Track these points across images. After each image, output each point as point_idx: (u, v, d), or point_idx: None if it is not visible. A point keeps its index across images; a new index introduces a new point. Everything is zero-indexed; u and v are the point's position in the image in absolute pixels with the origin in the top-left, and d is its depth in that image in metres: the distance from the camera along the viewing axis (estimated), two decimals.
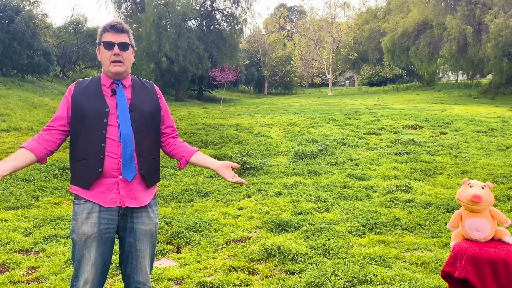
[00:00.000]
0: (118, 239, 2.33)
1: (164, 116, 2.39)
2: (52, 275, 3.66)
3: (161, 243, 4.49)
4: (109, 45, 2.18)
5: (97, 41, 2.27)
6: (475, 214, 2.73)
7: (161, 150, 2.40)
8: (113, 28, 2.19)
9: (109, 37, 2.19)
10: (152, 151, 2.28)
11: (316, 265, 3.83)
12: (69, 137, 2.27)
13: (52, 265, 3.85)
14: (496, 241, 2.74)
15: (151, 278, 3.60)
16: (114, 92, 2.23)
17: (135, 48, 2.35)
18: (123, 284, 2.41)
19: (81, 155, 2.17)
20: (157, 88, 2.43)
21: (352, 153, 9.18)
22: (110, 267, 3.73)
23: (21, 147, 2.12)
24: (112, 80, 2.26)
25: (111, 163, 2.15)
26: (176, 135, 2.46)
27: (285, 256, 4.01)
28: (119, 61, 2.19)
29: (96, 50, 2.29)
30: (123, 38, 2.20)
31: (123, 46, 2.20)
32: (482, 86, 25.34)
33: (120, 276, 3.48)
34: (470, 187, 2.73)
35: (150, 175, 2.27)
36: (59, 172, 7.34)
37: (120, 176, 2.17)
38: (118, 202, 2.18)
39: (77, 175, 2.20)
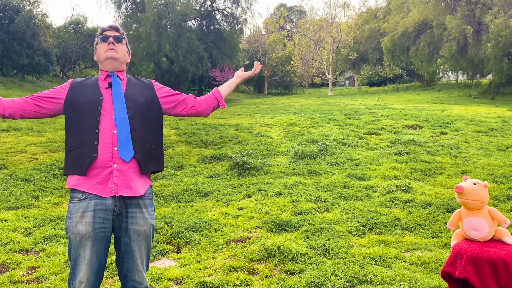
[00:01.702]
0: (114, 239, 2.34)
1: (176, 97, 2.45)
2: (52, 275, 3.66)
3: (161, 243, 4.49)
4: (105, 38, 2.36)
5: (94, 42, 2.43)
6: (473, 213, 2.74)
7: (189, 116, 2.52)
8: (109, 26, 2.41)
9: (106, 33, 2.39)
10: (147, 139, 2.31)
11: (316, 265, 3.83)
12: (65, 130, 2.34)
13: (52, 265, 3.85)
14: (496, 241, 2.74)
15: (151, 278, 3.61)
16: (109, 85, 2.31)
17: (130, 52, 2.51)
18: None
19: (76, 144, 2.23)
20: (154, 81, 2.50)
21: (352, 153, 9.18)
22: (111, 267, 3.74)
23: None
24: (108, 72, 2.35)
25: (104, 152, 2.19)
26: (193, 96, 2.52)
27: (285, 256, 4.01)
28: (113, 49, 2.35)
29: (94, 55, 2.43)
30: (117, 34, 2.40)
31: (117, 38, 2.37)
32: (482, 86, 25.31)
33: None
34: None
35: (144, 161, 2.29)
36: (59, 172, 7.34)
37: (115, 165, 2.20)
38: (113, 191, 2.20)
39: (71, 163, 2.24)
